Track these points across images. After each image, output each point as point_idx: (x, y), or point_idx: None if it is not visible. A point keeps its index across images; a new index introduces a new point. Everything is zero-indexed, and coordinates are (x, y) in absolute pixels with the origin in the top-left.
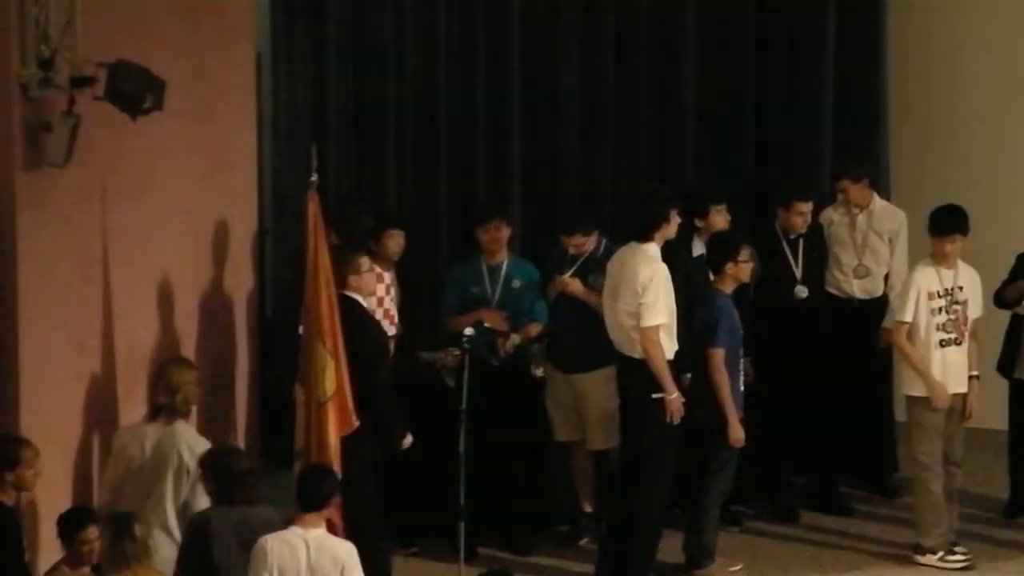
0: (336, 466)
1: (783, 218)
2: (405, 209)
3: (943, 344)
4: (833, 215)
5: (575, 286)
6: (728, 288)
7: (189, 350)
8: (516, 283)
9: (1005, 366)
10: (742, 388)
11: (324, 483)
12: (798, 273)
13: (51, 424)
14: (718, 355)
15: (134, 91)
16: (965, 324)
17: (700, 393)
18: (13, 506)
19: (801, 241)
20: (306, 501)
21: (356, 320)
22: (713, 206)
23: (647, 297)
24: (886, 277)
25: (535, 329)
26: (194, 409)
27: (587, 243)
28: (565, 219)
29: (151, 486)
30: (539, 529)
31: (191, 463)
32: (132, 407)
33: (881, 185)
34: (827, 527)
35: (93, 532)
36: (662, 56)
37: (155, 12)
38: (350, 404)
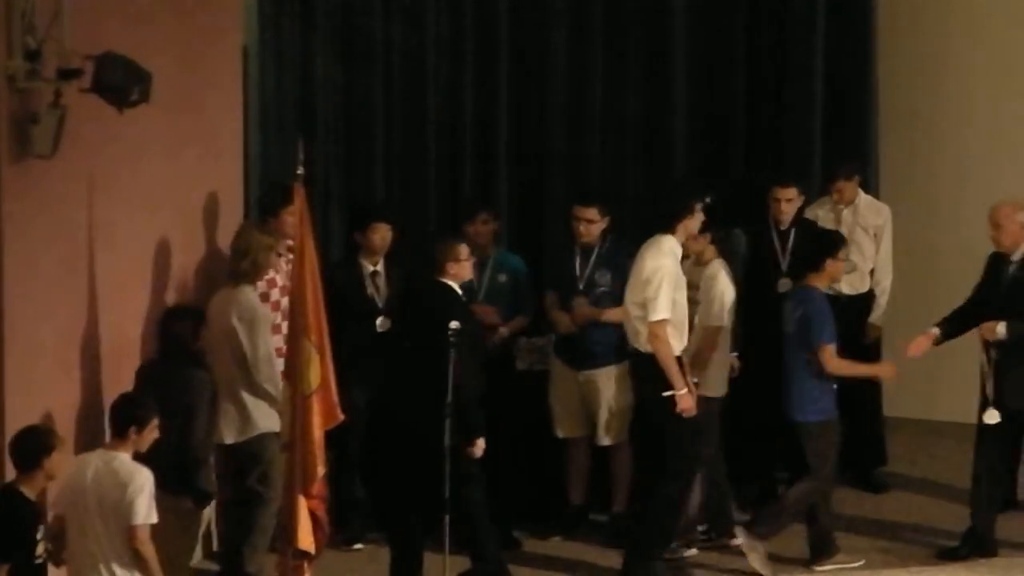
0: (321, 460)
1: (773, 209)
2: (393, 201)
3: None
4: (819, 211)
5: (586, 312)
6: (823, 285)
7: None
8: (503, 277)
9: None
10: None
11: (134, 410)
12: (784, 265)
13: (38, 417)
14: (832, 351)
15: (121, 83)
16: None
17: (793, 395)
18: (35, 499)
19: (792, 233)
20: (114, 426)
21: (449, 308)
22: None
23: (650, 291)
24: (872, 272)
25: (521, 323)
26: None
27: (597, 224)
28: (582, 191)
29: (219, 349)
30: (528, 521)
31: (238, 325)
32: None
33: (870, 182)
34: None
35: None
36: (651, 52)
37: (142, 4)
38: (335, 397)
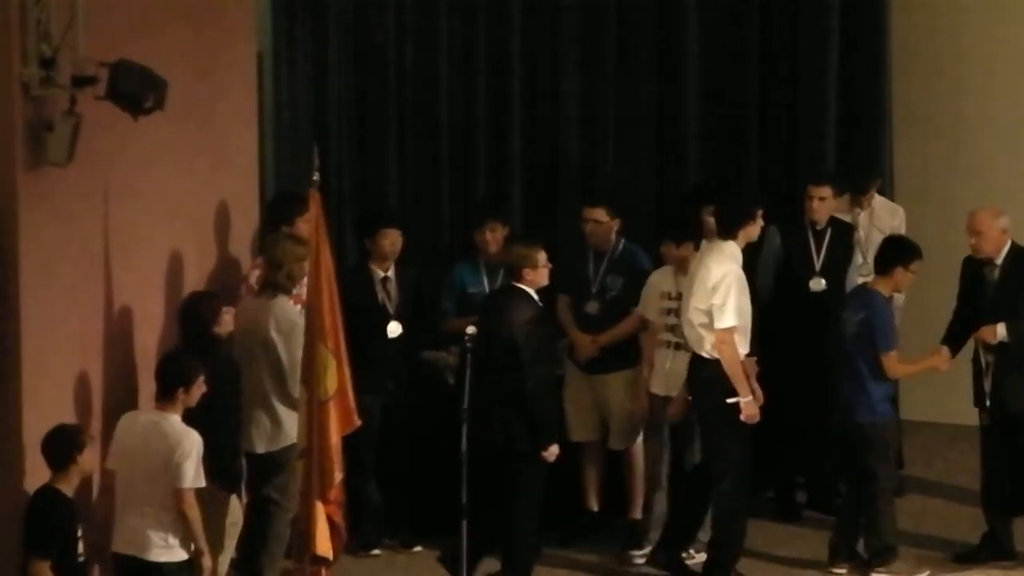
0: (338, 466)
1: (807, 208)
2: (406, 208)
3: (670, 345)
4: (835, 214)
5: (603, 341)
6: (887, 291)
7: None
8: None
9: None
10: None
11: (180, 370)
12: (817, 265)
13: (53, 424)
14: (895, 357)
15: (135, 91)
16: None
17: (852, 396)
18: (72, 496)
19: (828, 234)
20: (160, 388)
21: (522, 314)
22: (703, 206)
23: (718, 298)
24: None
25: None
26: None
27: (605, 225)
28: (590, 192)
29: (253, 359)
30: (545, 526)
31: (276, 337)
32: (133, 406)
33: (885, 183)
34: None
35: None
36: (663, 56)
37: (156, 12)
38: (351, 403)
